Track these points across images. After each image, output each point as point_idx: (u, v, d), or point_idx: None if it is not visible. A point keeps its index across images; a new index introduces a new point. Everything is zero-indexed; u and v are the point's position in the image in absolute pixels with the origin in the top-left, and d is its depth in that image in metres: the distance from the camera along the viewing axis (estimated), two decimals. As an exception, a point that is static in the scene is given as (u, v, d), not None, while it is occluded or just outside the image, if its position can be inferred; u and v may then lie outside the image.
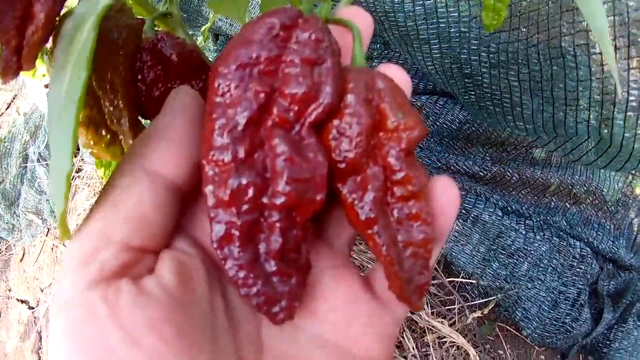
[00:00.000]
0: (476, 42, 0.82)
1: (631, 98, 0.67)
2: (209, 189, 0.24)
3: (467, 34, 0.82)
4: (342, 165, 0.25)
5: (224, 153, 0.24)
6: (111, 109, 0.35)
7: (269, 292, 0.25)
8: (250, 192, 0.24)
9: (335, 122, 0.25)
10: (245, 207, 0.24)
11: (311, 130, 0.25)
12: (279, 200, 0.24)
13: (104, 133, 0.37)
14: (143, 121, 0.39)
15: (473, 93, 0.92)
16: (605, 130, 0.72)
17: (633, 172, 1.23)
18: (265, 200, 0.24)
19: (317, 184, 0.24)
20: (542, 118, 0.81)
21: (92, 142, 0.37)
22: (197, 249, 0.27)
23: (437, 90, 1.19)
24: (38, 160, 1.90)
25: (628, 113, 0.69)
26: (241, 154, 0.24)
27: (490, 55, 0.81)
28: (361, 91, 0.26)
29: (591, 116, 0.73)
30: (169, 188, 0.25)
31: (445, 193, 0.28)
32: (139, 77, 0.36)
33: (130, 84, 0.35)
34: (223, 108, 0.24)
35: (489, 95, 0.88)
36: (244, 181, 0.24)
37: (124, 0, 0.40)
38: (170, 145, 0.25)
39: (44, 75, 0.87)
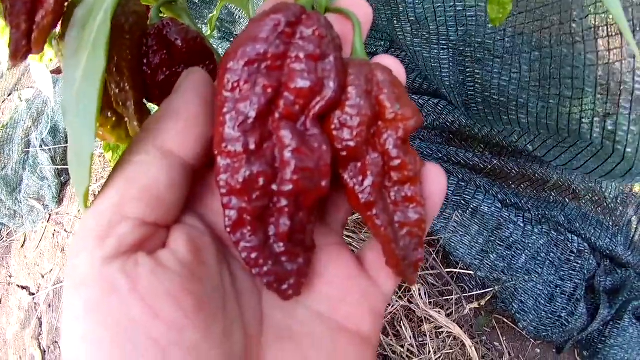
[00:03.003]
0: (491, 26, 0.83)
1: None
2: (222, 177, 0.25)
3: (484, 18, 0.84)
4: (344, 153, 0.27)
5: (236, 145, 0.25)
6: (117, 91, 0.35)
7: (279, 270, 0.26)
8: (261, 180, 0.25)
9: (338, 113, 0.27)
10: (256, 194, 0.25)
11: (315, 121, 0.27)
12: (287, 188, 0.26)
13: (109, 115, 0.38)
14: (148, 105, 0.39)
15: (479, 82, 0.93)
16: (610, 121, 0.72)
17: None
18: (274, 187, 0.26)
19: (322, 172, 0.26)
20: (546, 111, 0.82)
21: (98, 124, 0.38)
22: (204, 225, 0.28)
23: (438, 93, 1.20)
24: (40, 146, 1.91)
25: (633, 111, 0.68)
26: (252, 145, 0.25)
27: (506, 39, 0.82)
28: (361, 83, 0.27)
29: (597, 104, 0.73)
30: (182, 166, 0.26)
31: (435, 179, 0.30)
32: (145, 61, 0.36)
33: (136, 68, 0.36)
34: (233, 102, 0.25)
35: (496, 84, 0.89)
36: (254, 171, 0.25)
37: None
38: (184, 125, 0.26)
39: (50, 60, 0.88)
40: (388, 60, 0.31)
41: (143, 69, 0.37)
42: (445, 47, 0.96)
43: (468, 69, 0.95)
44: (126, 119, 0.38)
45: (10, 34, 0.31)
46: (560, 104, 0.80)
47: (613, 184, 1.24)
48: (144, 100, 0.38)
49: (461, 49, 0.93)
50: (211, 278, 0.26)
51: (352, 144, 0.27)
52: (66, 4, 0.32)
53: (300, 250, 0.27)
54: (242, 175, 0.25)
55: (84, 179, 0.23)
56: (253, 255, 0.26)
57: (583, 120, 0.78)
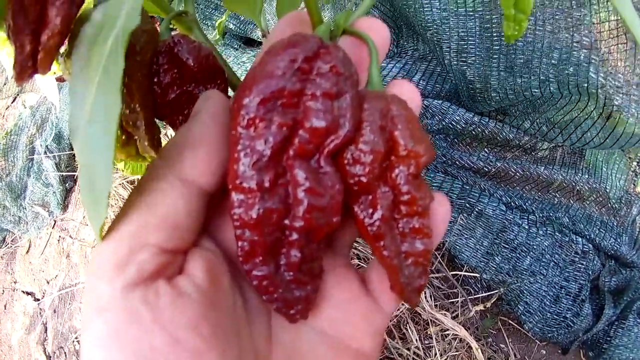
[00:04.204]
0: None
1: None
2: (236, 212, 0.26)
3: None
4: (356, 188, 0.28)
5: (250, 182, 0.25)
6: (127, 112, 0.35)
7: (288, 297, 0.27)
8: (274, 216, 0.26)
9: (351, 148, 0.27)
10: (268, 228, 0.26)
11: (329, 159, 0.27)
12: (299, 224, 0.26)
13: (119, 134, 0.38)
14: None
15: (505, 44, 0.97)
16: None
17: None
18: (286, 221, 0.26)
19: (333, 210, 0.27)
20: (567, 77, 0.90)
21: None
22: (218, 247, 0.28)
23: (442, 95, 1.21)
24: (45, 152, 1.91)
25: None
26: (266, 183, 0.25)
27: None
28: (376, 119, 0.27)
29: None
30: (200, 193, 0.26)
31: (441, 212, 0.31)
32: (155, 80, 0.36)
33: (147, 87, 0.36)
34: (248, 139, 0.25)
35: (521, 45, 0.95)
36: (267, 207, 0.26)
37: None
38: (202, 154, 0.26)
39: (54, 73, 0.88)
40: (405, 87, 0.31)
41: (153, 88, 0.37)
42: (472, 17, 1.01)
43: (495, 36, 0.99)
44: (136, 137, 0.38)
45: (15, 55, 0.30)
46: (578, 62, 0.86)
47: (617, 184, 1.24)
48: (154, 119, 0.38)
49: (487, 17, 0.99)
50: (226, 302, 0.26)
51: (364, 179, 0.27)
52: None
53: (309, 278, 0.28)
54: (255, 211, 0.25)
55: (100, 215, 0.23)
56: (264, 283, 0.26)
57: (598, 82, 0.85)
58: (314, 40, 0.27)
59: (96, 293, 0.23)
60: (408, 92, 0.31)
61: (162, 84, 0.36)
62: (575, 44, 0.86)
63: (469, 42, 1.03)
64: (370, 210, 0.28)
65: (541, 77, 0.95)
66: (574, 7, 0.83)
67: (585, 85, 0.89)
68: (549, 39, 0.90)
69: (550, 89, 0.95)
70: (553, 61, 0.92)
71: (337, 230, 0.33)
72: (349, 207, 0.29)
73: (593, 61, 0.86)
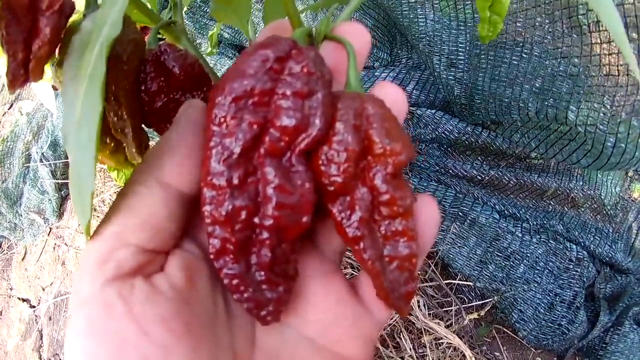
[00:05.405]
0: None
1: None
2: (206, 209, 0.26)
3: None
4: (331, 188, 0.28)
5: (220, 179, 0.26)
6: (115, 119, 0.36)
7: (259, 297, 0.27)
8: (243, 214, 0.26)
9: (325, 148, 0.27)
10: (238, 226, 0.26)
11: (300, 157, 0.27)
12: (268, 222, 0.26)
13: (108, 141, 0.38)
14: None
15: (491, 61, 1.00)
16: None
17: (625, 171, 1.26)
18: (256, 220, 0.26)
19: (303, 209, 0.27)
20: (547, 103, 0.90)
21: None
22: (200, 250, 0.29)
23: (436, 104, 1.22)
24: (41, 160, 1.91)
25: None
26: (235, 180, 0.26)
27: (518, 24, 0.90)
28: (350, 118, 0.27)
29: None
30: (180, 197, 0.27)
31: (428, 213, 0.30)
32: (142, 88, 0.37)
33: (134, 95, 0.36)
34: (220, 137, 0.26)
35: (506, 66, 0.96)
36: (237, 205, 0.26)
37: (128, 13, 0.41)
38: (181, 159, 0.27)
39: (51, 79, 0.88)
40: (389, 89, 0.31)
41: (141, 96, 0.37)
42: (463, 32, 1.04)
43: (482, 53, 1.02)
44: (124, 145, 0.38)
45: (8, 63, 0.31)
46: (560, 94, 0.86)
47: (613, 190, 1.25)
48: (143, 126, 0.38)
49: (476, 34, 1.00)
50: (202, 302, 0.27)
51: (339, 179, 0.27)
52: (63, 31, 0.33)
53: (282, 279, 0.28)
54: (225, 208, 0.26)
55: (86, 214, 0.25)
56: (234, 282, 0.27)
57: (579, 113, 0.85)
58: (286, 42, 0.27)
59: (79, 288, 0.25)
60: (392, 94, 0.31)
61: (149, 92, 0.37)
62: (560, 74, 0.86)
63: (459, 57, 1.05)
64: (349, 212, 0.28)
65: (520, 105, 0.96)
66: (566, 32, 0.83)
67: (564, 119, 0.89)
68: (535, 64, 0.90)
69: (528, 116, 0.96)
70: (535, 89, 0.92)
71: (323, 233, 0.32)
72: (327, 209, 0.29)
73: (576, 92, 0.86)
